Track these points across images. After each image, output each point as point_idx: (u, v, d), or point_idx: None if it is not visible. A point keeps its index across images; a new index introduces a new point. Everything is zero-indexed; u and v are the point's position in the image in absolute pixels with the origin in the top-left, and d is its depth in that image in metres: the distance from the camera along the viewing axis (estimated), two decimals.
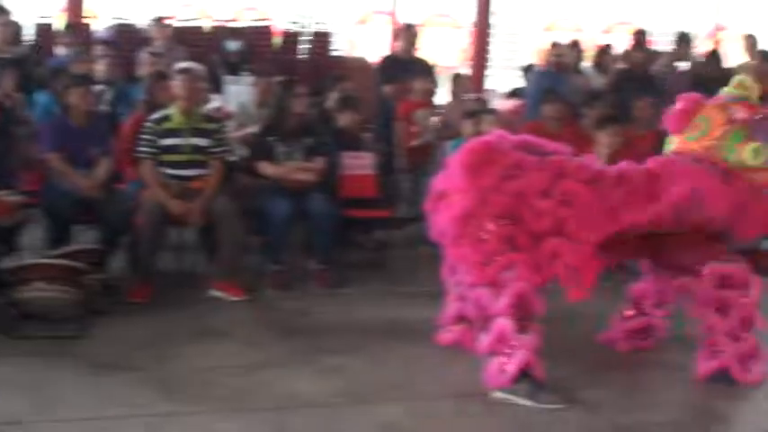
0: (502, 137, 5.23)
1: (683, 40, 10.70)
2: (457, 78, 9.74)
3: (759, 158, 5.21)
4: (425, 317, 5.97)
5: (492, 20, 12.77)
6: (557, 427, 4.65)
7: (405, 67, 9.48)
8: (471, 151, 5.04)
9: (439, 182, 5.28)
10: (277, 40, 11.91)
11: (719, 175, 5.21)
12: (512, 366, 4.88)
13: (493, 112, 8.11)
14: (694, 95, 5.58)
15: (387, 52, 10.58)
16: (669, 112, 5.61)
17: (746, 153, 5.20)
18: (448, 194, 5.10)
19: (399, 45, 9.89)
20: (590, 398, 5.02)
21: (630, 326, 5.87)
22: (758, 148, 5.20)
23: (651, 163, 5.35)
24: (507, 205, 4.92)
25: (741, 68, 9.89)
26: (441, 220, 5.14)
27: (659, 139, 6.07)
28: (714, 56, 10.32)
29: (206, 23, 12.28)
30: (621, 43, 11.14)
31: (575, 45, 10.46)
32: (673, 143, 5.54)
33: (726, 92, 5.53)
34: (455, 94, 9.55)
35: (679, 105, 5.55)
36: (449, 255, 5.29)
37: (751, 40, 10.90)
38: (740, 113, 5.32)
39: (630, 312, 5.89)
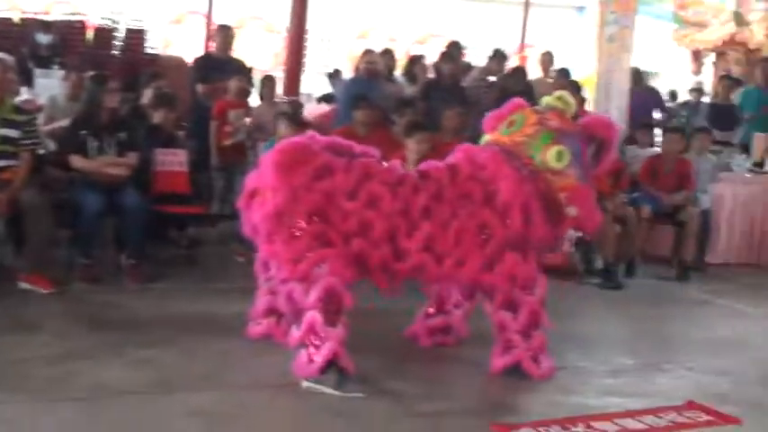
0: (313, 138, 5.41)
1: (497, 55, 11.12)
2: (266, 81, 9.87)
3: (561, 162, 5.53)
4: (237, 312, 6.11)
5: (307, 25, 12.92)
6: (362, 415, 4.85)
7: (219, 66, 9.53)
8: (283, 151, 5.20)
9: (252, 180, 5.40)
10: (90, 35, 11.74)
11: (524, 171, 5.50)
12: (320, 357, 5.06)
13: (289, 117, 8.23)
14: (518, 101, 5.91)
15: (201, 52, 10.60)
16: (489, 116, 5.90)
17: (551, 155, 5.51)
18: (261, 192, 5.23)
19: (214, 45, 9.93)
20: (394, 388, 5.26)
21: (432, 323, 6.13)
22: (562, 151, 5.52)
23: (456, 155, 5.63)
24: (318, 204, 5.10)
25: (538, 84, 10.46)
26: (254, 217, 5.26)
27: None
28: (519, 71, 10.83)
29: (16, 15, 11.99)
30: (435, 54, 11.49)
31: (387, 53, 10.76)
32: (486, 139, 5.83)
33: (545, 101, 5.90)
34: (265, 96, 9.69)
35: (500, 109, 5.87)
36: (262, 251, 5.43)
37: (547, 57, 11.49)
38: (553, 121, 5.66)
39: (432, 310, 6.16)
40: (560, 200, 5.57)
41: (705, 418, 5.18)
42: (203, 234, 8.17)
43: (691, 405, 5.34)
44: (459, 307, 6.13)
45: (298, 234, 5.08)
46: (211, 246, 8.08)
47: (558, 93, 5.95)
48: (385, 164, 5.47)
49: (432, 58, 11.30)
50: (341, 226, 5.14)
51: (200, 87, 9.46)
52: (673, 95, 15.29)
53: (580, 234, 5.84)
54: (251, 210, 5.31)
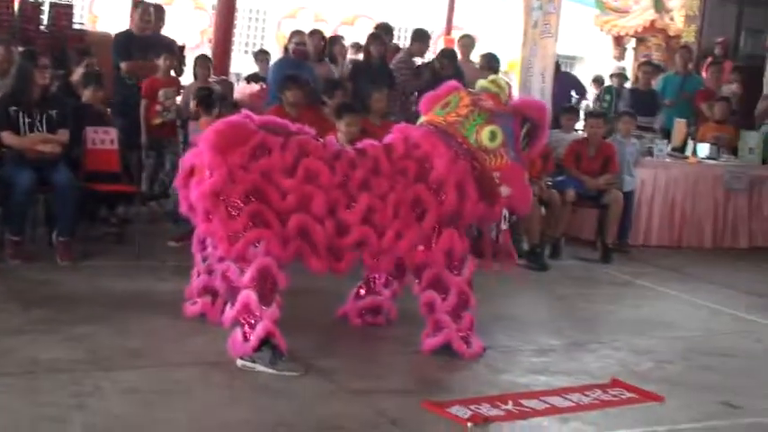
0: (249, 117, 5.45)
1: (421, 37, 11.18)
2: (200, 60, 9.84)
3: (495, 141, 5.67)
4: (170, 289, 6.17)
5: (236, 3, 12.83)
6: (295, 392, 4.92)
7: (141, 44, 9.36)
8: (220, 131, 5.23)
9: (189, 159, 5.42)
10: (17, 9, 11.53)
11: (458, 150, 5.61)
12: (254, 336, 5.12)
13: (203, 103, 8.29)
14: (453, 83, 6.01)
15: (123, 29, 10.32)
16: (424, 97, 6.00)
17: (484, 134, 5.64)
18: (198, 171, 5.24)
19: (135, 22, 9.65)
20: (326, 366, 5.35)
21: (363, 303, 6.22)
22: (495, 131, 5.66)
23: (392, 134, 5.74)
24: (255, 183, 5.15)
25: (463, 68, 10.53)
26: (191, 196, 5.28)
27: None
28: (449, 54, 10.91)
29: None
30: (362, 35, 11.48)
31: (316, 34, 10.75)
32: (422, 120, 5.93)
33: (480, 84, 6.01)
34: (199, 75, 9.64)
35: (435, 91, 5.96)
36: (199, 229, 5.46)
37: (467, 41, 11.56)
38: (487, 103, 5.78)
39: (363, 291, 6.25)
40: (493, 179, 5.69)
41: (629, 395, 5.35)
42: (133, 212, 8.14)
43: (615, 383, 5.52)
44: (389, 287, 6.22)
45: (235, 213, 5.12)
46: (141, 224, 8.05)
47: (492, 77, 6.08)
48: (321, 140, 5.53)
49: (353, 38, 11.24)
50: (280, 204, 5.19)
51: (123, 65, 9.27)
52: (599, 81, 15.55)
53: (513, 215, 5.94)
54: (188, 188, 5.32)
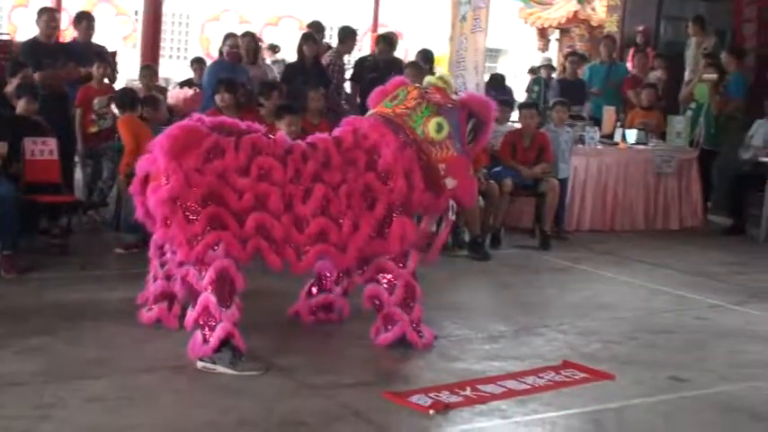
0: (200, 120, 5.49)
1: (348, 35, 11.27)
2: (145, 69, 9.82)
3: (441, 133, 5.77)
4: (120, 297, 6.18)
5: (163, 8, 12.78)
6: (256, 391, 4.97)
7: (49, 52, 9.06)
8: (173, 136, 5.25)
9: (143, 166, 5.42)
10: None
11: (406, 139, 5.70)
12: (214, 337, 5.17)
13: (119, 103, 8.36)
14: (401, 78, 6.14)
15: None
16: (373, 92, 6.10)
17: (431, 126, 5.75)
18: (153, 178, 5.26)
19: (42, 29, 9.21)
20: (286, 364, 5.41)
21: (315, 301, 6.28)
22: (442, 123, 5.77)
23: (341, 127, 5.83)
24: (211, 185, 5.19)
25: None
26: (148, 202, 5.29)
27: (333, 127, 6.47)
28: (387, 38, 11.04)
29: None
30: (288, 36, 11.53)
31: (248, 36, 10.79)
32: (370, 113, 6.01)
33: (427, 80, 6.12)
34: (144, 85, 9.63)
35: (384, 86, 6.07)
36: (157, 235, 5.45)
37: (386, 38, 11.67)
38: (435, 96, 5.88)
39: (314, 289, 6.30)
40: (439, 170, 5.79)
41: (581, 375, 5.51)
42: (75, 222, 8.10)
43: (566, 364, 5.68)
44: (340, 284, 6.28)
45: (193, 217, 5.16)
46: (82, 234, 8.02)
47: (439, 73, 6.18)
48: (271, 137, 5.59)
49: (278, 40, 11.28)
50: (237, 205, 5.24)
51: (36, 75, 8.74)
52: (534, 71, 15.82)
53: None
54: (144, 195, 5.33)
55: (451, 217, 6.08)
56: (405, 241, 5.68)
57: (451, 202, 5.99)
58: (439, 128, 5.77)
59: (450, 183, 5.85)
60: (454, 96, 6.04)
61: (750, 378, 5.74)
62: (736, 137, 11.63)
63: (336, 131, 5.86)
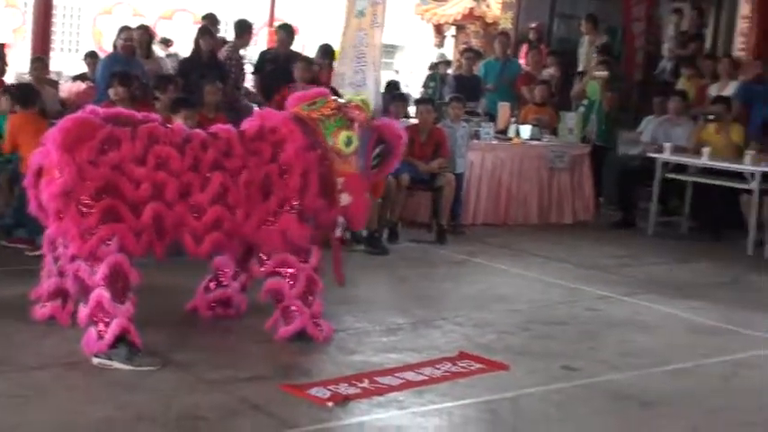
0: (93, 112, 5.42)
1: (244, 29, 11.20)
2: (36, 62, 9.62)
3: (349, 147, 5.82)
4: (15, 294, 6.04)
5: (53, 0, 12.55)
6: (153, 386, 4.94)
7: None
8: (65, 129, 5.18)
9: (36, 159, 5.33)
10: None
11: (313, 141, 5.73)
12: (109, 333, 5.11)
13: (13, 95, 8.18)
14: (324, 89, 6.25)
15: None
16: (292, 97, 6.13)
17: (341, 138, 5.79)
18: (47, 171, 5.18)
19: None
20: (183, 359, 5.39)
21: (213, 296, 6.25)
22: (352, 136, 5.82)
23: (251, 120, 5.84)
24: (106, 178, 5.13)
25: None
26: (41, 196, 5.21)
27: (228, 122, 6.42)
28: (287, 28, 11.05)
29: None
30: (182, 29, 11.44)
31: (143, 29, 10.66)
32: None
33: (348, 97, 6.21)
34: (35, 78, 9.43)
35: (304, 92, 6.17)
36: (50, 229, 5.36)
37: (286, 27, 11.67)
38: (353, 112, 5.91)
39: (212, 284, 6.27)
40: (336, 182, 5.82)
41: (477, 366, 5.62)
42: None
43: (462, 355, 5.78)
44: (237, 280, 6.28)
45: (86, 211, 5.09)
46: None
47: (361, 96, 6.25)
48: (169, 126, 5.55)
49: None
50: (133, 195, 5.20)
51: None
52: (434, 68, 15.96)
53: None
54: (37, 189, 5.26)
55: (338, 234, 6.11)
56: (286, 238, 5.67)
57: (341, 219, 6.04)
58: (348, 141, 5.81)
59: (344, 199, 5.87)
60: (370, 119, 6.09)
61: (638, 367, 5.93)
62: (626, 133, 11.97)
63: (245, 123, 5.85)
